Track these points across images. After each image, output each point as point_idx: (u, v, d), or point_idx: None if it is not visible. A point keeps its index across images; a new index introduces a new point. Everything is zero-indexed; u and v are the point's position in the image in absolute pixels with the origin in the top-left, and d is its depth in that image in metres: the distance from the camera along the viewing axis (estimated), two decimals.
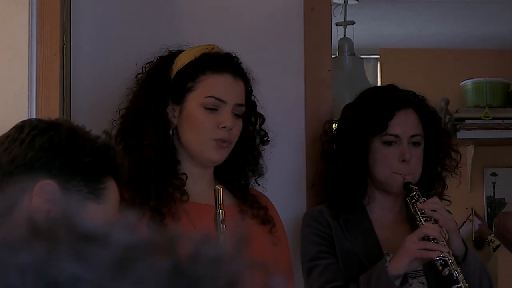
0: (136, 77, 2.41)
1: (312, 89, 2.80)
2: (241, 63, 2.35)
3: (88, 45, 2.71)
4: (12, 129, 1.45)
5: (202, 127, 2.27)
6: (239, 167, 2.39)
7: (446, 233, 2.36)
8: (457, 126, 4.58)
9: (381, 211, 2.56)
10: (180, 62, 2.33)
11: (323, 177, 2.60)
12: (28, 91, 2.37)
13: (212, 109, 2.27)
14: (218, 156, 2.29)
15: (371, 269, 2.38)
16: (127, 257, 0.54)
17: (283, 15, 2.81)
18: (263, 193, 2.47)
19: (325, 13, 2.85)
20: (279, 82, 2.78)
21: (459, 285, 2.27)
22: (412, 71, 4.92)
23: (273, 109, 2.62)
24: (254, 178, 2.44)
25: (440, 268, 2.28)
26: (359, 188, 2.54)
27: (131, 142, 2.26)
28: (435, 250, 2.29)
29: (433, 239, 2.31)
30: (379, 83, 5.00)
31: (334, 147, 2.60)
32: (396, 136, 2.49)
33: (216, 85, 2.29)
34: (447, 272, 2.28)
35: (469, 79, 4.82)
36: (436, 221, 2.37)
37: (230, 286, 0.56)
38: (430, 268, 2.35)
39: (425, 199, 2.43)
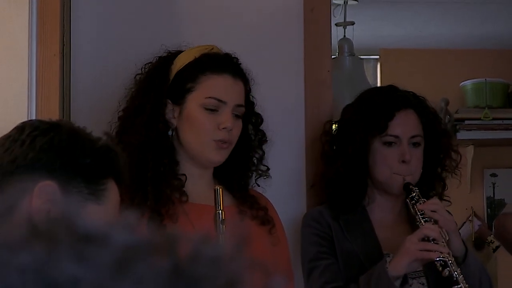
0: (135, 77, 2.41)
1: (312, 90, 2.80)
2: (240, 63, 2.35)
3: (88, 44, 2.71)
4: (13, 129, 1.46)
5: (202, 127, 2.27)
6: (239, 168, 2.39)
7: (446, 234, 2.36)
8: (457, 127, 4.58)
9: (381, 212, 2.56)
10: (180, 63, 2.33)
11: (323, 178, 2.60)
12: (28, 91, 2.38)
13: (212, 110, 2.27)
14: (218, 157, 2.29)
15: (371, 270, 2.38)
16: (127, 258, 0.54)
17: (283, 15, 2.81)
18: (263, 193, 2.47)
19: (325, 13, 2.85)
20: (279, 83, 2.78)
21: (459, 286, 2.27)
22: (411, 72, 4.92)
23: (272, 109, 2.62)
24: (255, 178, 2.44)
25: (440, 269, 2.28)
26: (359, 189, 2.54)
27: (128, 142, 2.26)
28: (435, 251, 2.29)
29: (433, 239, 2.31)
30: (378, 84, 5.00)
31: (334, 147, 2.60)
32: (396, 136, 2.49)
33: (216, 86, 2.29)
34: (447, 273, 2.28)
35: (469, 79, 4.82)
36: (436, 222, 2.37)
37: (229, 287, 0.56)
38: (430, 269, 2.35)
39: (425, 199, 2.43)
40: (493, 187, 5.01)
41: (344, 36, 3.98)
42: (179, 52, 2.37)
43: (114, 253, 0.54)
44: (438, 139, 2.57)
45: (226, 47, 2.37)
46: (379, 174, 2.51)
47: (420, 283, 2.43)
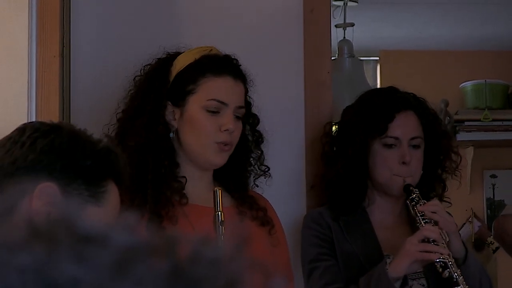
0: (134, 79, 2.41)
1: (312, 91, 2.80)
2: (240, 64, 2.35)
3: (88, 45, 2.71)
4: (14, 131, 1.46)
5: (204, 129, 2.27)
6: (237, 169, 2.39)
7: (446, 235, 2.36)
8: (457, 128, 4.58)
9: (381, 213, 2.56)
10: (179, 64, 2.33)
11: (324, 179, 2.61)
12: (28, 92, 2.38)
13: (214, 112, 2.27)
14: (220, 159, 2.29)
15: (371, 271, 2.38)
16: (127, 259, 0.54)
17: (283, 16, 2.81)
18: (262, 194, 2.47)
19: (325, 14, 2.85)
20: (278, 83, 2.78)
21: (459, 287, 2.27)
22: (411, 73, 4.92)
23: (272, 110, 2.63)
24: (254, 179, 2.44)
25: (440, 270, 2.28)
26: (359, 190, 2.54)
27: (128, 144, 2.26)
28: (435, 252, 2.29)
29: (433, 241, 2.31)
30: (378, 85, 5.00)
31: (334, 149, 2.60)
32: (396, 138, 2.49)
33: (217, 87, 2.29)
34: (447, 274, 2.28)
35: (469, 80, 4.82)
36: (436, 223, 2.37)
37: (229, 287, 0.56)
38: (430, 270, 2.35)
39: (425, 201, 2.43)
40: (493, 188, 5.01)
41: (344, 37, 3.98)
42: (178, 53, 2.37)
43: (114, 254, 0.54)
44: (438, 140, 2.57)
45: (226, 48, 2.37)
46: (379, 175, 2.51)
47: (420, 284, 2.43)
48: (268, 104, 2.56)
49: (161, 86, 2.31)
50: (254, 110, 2.43)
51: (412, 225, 2.47)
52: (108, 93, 2.59)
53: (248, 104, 2.39)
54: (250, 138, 2.42)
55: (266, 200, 2.44)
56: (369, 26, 4.65)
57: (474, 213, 4.94)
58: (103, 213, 1.40)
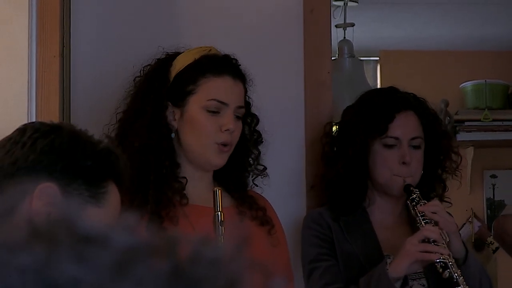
0: (134, 80, 2.41)
1: (312, 91, 2.80)
2: (239, 64, 2.35)
3: (88, 45, 2.71)
4: (14, 131, 1.46)
5: (204, 130, 2.27)
6: (237, 168, 2.39)
7: (446, 236, 2.36)
8: (457, 128, 4.58)
9: (382, 214, 2.56)
10: (179, 65, 2.33)
11: (324, 179, 2.61)
12: (28, 92, 2.38)
13: (214, 112, 2.27)
14: (219, 160, 2.29)
15: (371, 271, 2.38)
16: (127, 259, 0.54)
17: (283, 16, 2.81)
18: (262, 194, 2.47)
19: (325, 14, 2.85)
20: (278, 84, 2.78)
21: None
22: (411, 73, 4.92)
23: (272, 110, 2.63)
24: (253, 179, 2.44)
25: (441, 270, 2.28)
26: (359, 190, 2.54)
27: (128, 145, 2.26)
28: (435, 252, 2.29)
29: (434, 241, 2.31)
30: (378, 85, 5.00)
31: (335, 149, 2.60)
32: (396, 138, 2.49)
33: (217, 87, 2.29)
34: (447, 275, 2.28)
35: (469, 80, 4.82)
36: (436, 224, 2.37)
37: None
38: (431, 270, 2.35)
39: (425, 201, 2.43)
40: (493, 188, 5.01)
41: (344, 37, 3.98)
42: (177, 53, 2.37)
43: (114, 255, 0.54)
44: (438, 140, 2.57)
45: (226, 48, 2.37)
46: (379, 175, 2.51)
47: (420, 285, 2.43)
48: (268, 104, 2.56)
49: (161, 87, 2.31)
50: (254, 110, 2.43)
51: (412, 225, 2.47)
52: (108, 93, 2.59)
53: (247, 104, 2.39)
54: (250, 137, 2.42)
55: (265, 200, 2.44)
56: (369, 26, 4.65)
57: (474, 213, 4.94)
58: (103, 213, 1.40)
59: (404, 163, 2.47)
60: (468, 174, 4.80)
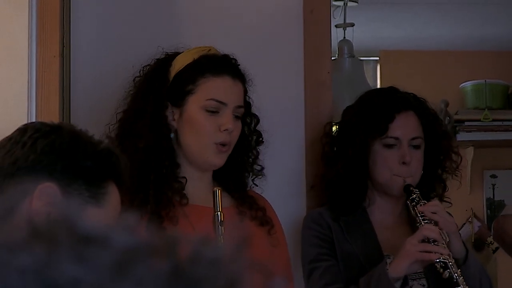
0: (133, 80, 2.41)
1: (312, 91, 2.80)
2: (239, 64, 2.35)
3: (88, 45, 2.71)
4: (15, 131, 1.46)
5: (203, 129, 2.27)
6: (237, 168, 2.39)
7: (446, 236, 2.36)
8: (457, 128, 4.58)
9: (382, 214, 2.56)
10: (178, 65, 2.33)
11: (324, 179, 2.61)
12: (28, 92, 2.38)
13: (213, 112, 2.27)
14: (218, 160, 2.29)
15: (371, 271, 2.38)
16: (127, 259, 0.54)
17: (283, 16, 2.81)
18: (262, 194, 2.47)
19: (325, 14, 2.85)
20: (278, 84, 2.78)
21: None
22: (411, 73, 4.92)
23: (272, 110, 2.63)
24: (251, 179, 2.44)
25: (441, 270, 2.28)
26: (359, 191, 2.54)
27: (129, 145, 2.26)
28: (435, 252, 2.29)
29: (434, 241, 2.31)
30: (378, 85, 5.00)
31: (335, 149, 2.60)
32: (396, 138, 2.49)
33: (216, 87, 2.29)
34: (447, 275, 2.28)
35: (469, 81, 4.82)
36: (436, 224, 2.37)
37: None
38: (431, 270, 2.35)
39: (425, 201, 2.43)
40: (493, 188, 5.01)
41: (344, 37, 3.97)
42: (177, 53, 2.37)
43: (114, 255, 0.54)
44: (438, 140, 2.57)
45: (226, 48, 2.37)
46: (379, 175, 2.51)
47: (420, 285, 2.43)
48: (268, 104, 2.56)
49: (160, 87, 2.31)
50: (254, 110, 2.43)
51: (412, 225, 2.47)
52: (108, 93, 2.59)
53: (247, 104, 2.39)
54: (250, 138, 2.42)
55: (265, 200, 2.44)
56: (369, 26, 4.65)
57: (474, 213, 4.94)
58: (104, 214, 1.40)
59: (404, 163, 2.47)
60: (468, 174, 4.80)
